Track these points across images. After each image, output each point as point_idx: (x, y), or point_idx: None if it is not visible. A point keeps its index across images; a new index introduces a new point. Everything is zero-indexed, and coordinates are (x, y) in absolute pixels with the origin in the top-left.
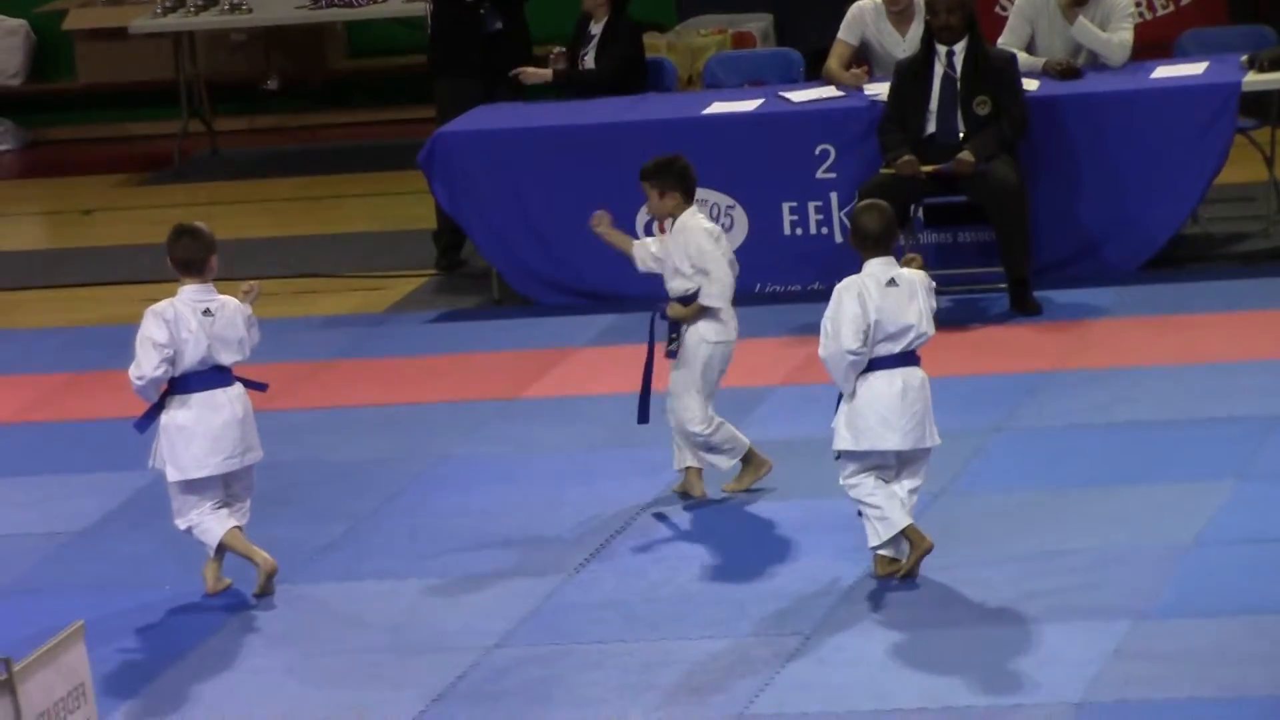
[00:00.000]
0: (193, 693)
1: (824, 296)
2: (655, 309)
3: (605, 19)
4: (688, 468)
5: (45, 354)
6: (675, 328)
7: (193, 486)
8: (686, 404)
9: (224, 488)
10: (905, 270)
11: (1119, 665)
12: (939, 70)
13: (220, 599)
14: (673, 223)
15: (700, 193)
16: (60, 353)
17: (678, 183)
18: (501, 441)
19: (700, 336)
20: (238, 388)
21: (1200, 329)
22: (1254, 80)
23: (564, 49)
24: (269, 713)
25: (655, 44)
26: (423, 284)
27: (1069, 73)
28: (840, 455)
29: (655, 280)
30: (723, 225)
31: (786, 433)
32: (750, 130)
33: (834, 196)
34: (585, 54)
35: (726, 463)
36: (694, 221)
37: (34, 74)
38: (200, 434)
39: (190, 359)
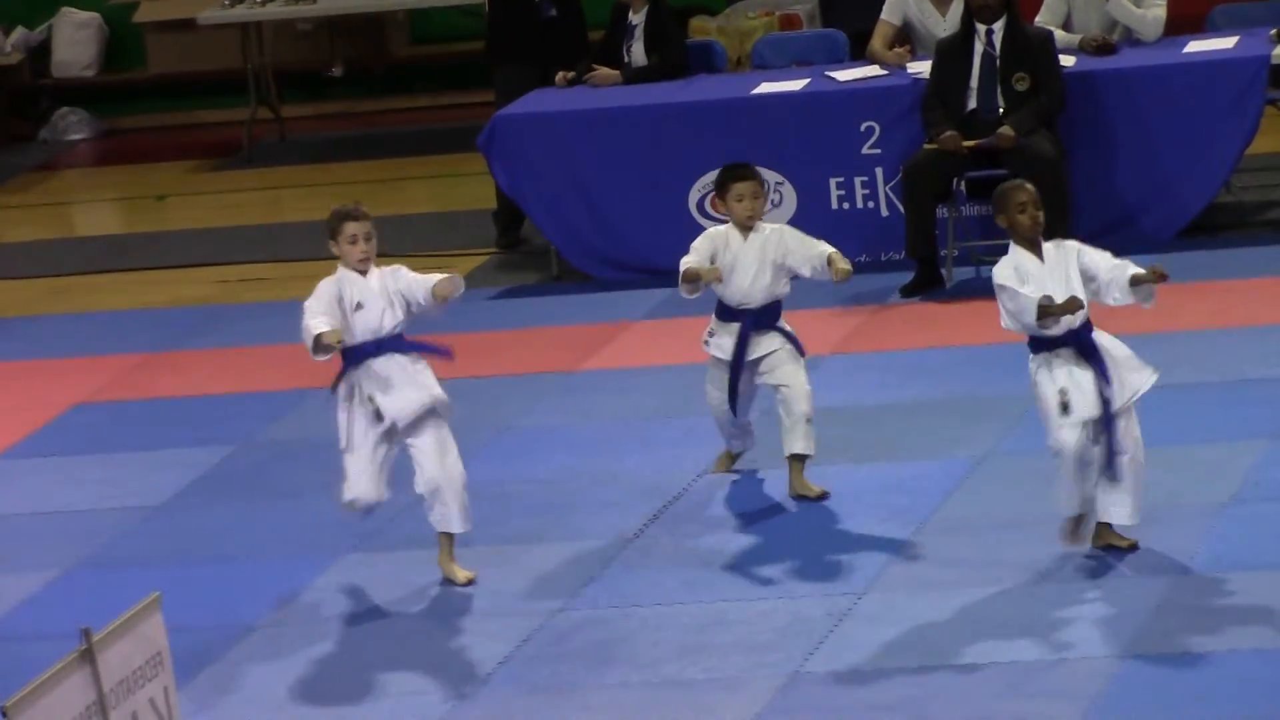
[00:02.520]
0: (266, 661)
1: (871, 268)
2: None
3: (645, 8)
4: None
5: (121, 335)
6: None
7: None
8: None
9: None
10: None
11: (1161, 620)
12: (979, 48)
13: (290, 573)
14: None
15: None
16: (136, 334)
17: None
18: (562, 412)
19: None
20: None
21: (1234, 294)
22: None
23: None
24: (341, 679)
25: (705, 27)
26: (484, 262)
27: (1104, 49)
28: None
29: None
30: (772, 201)
31: (836, 400)
32: (798, 109)
33: (879, 172)
34: (630, 45)
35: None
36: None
37: (107, 65)
38: None
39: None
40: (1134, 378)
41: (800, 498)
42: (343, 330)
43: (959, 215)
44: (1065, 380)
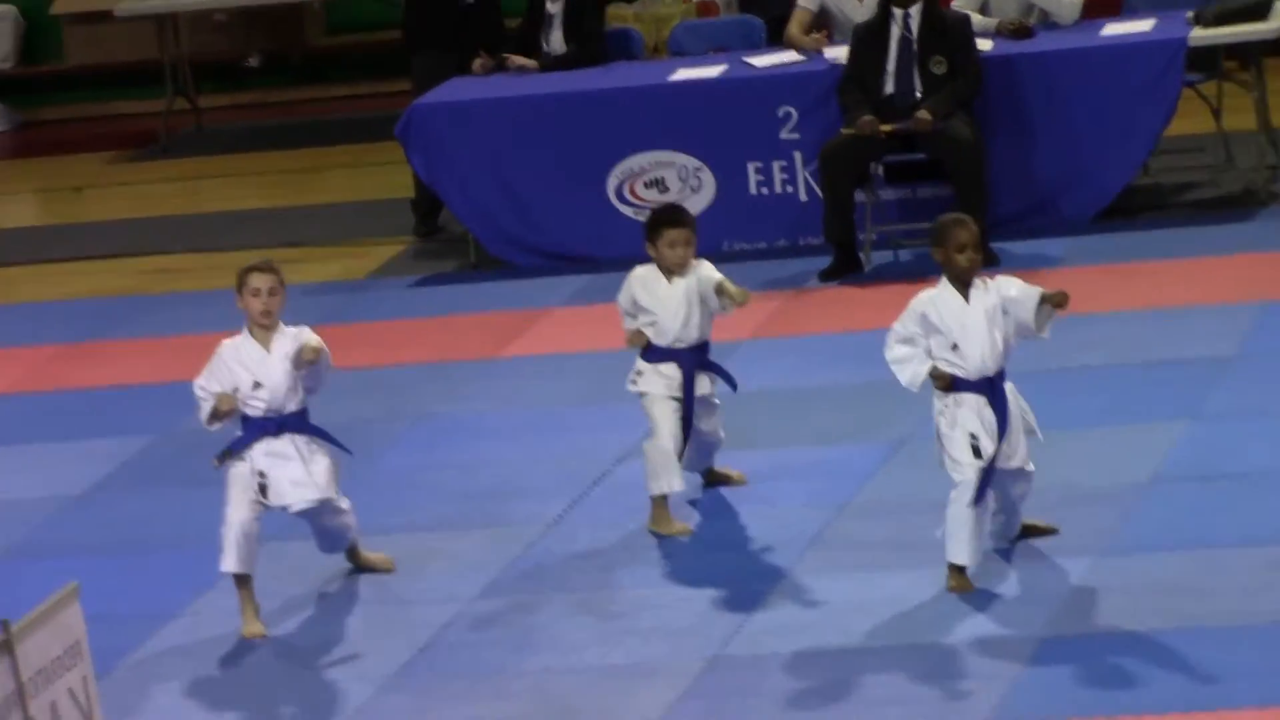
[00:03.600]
0: (185, 650)
1: (789, 253)
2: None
3: None
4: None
5: (39, 326)
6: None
7: None
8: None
9: None
10: None
11: (1080, 601)
12: (896, 32)
13: (209, 562)
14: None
15: (669, 155)
16: (53, 325)
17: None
18: (481, 399)
19: None
20: None
21: (1152, 276)
22: (1200, 35)
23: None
24: (260, 668)
25: (622, 14)
26: (402, 250)
27: (1021, 32)
28: None
29: (626, 240)
30: (690, 186)
31: (755, 385)
32: (715, 95)
33: (797, 156)
34: (549, 33)
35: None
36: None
37: (24, 57)
38: None
39: None
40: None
41: (718, 484)
42: (233, 400)
43: (877, 200)
44: (975, 425)
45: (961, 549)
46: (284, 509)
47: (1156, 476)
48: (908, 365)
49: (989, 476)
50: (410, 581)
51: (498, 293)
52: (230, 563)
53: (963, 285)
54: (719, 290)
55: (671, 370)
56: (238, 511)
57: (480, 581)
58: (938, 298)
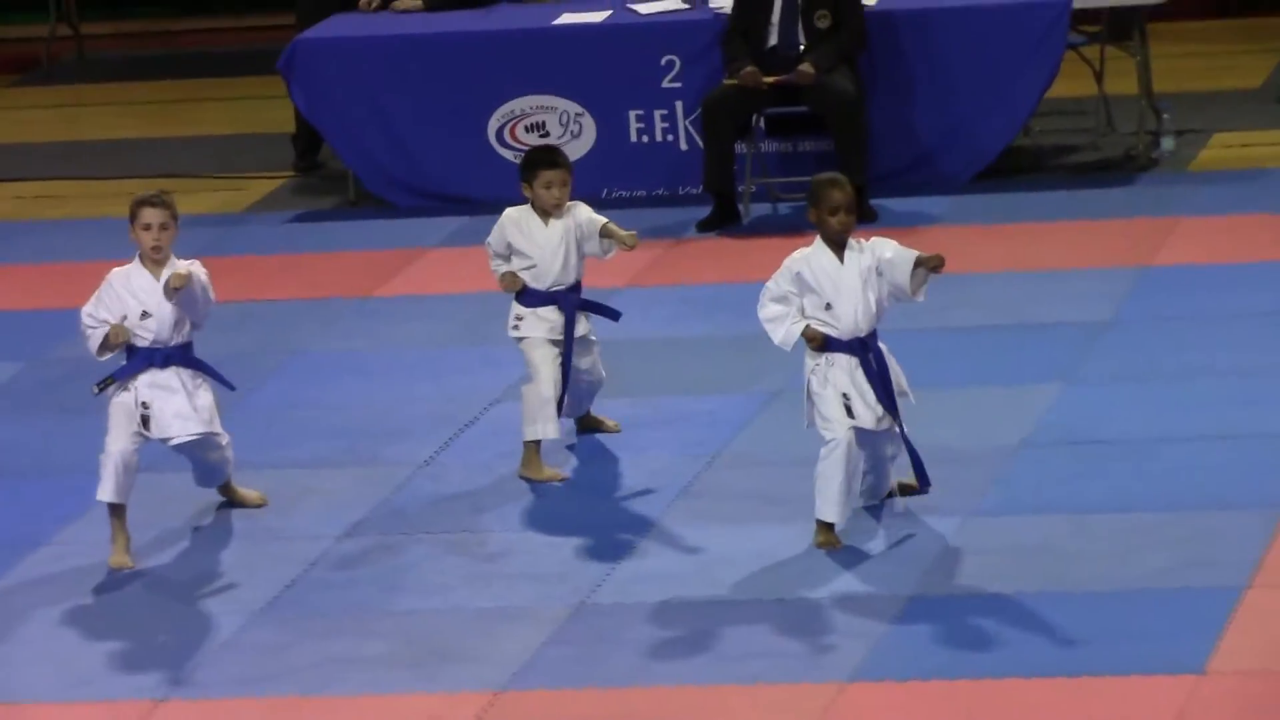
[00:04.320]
0: (51, 579)
1: (668, 202)
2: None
3: None
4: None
5: None
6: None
7: None
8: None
9: None
10: None
11: (947, 561)
12: None
13: (80, 490)
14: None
15: (550, 100)
16: None
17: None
18: (356, 337)
19: None
20: None
21: (1030, 237)
22: None
23: None
24: (126, 601)
25: None
26: (281, 185)
27: None
28: None
29: (505, 182)
30: (571, 132)
31: (630, 334)
32: (598, 41)
33: (679, 106)
34: None
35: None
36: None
37: None
38: None
39: None
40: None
41: (592, 430)
42: (127, 332)
43: (757, 151)
44: (847, 385)
45: (830, 507)
46: (165, 441)
47: (1027, 440)
48: (780, 324)
49: (874, 440)
50: (280, 518)
51: (375, 231)
52: (107, 492)
53: (837, 246)
54: (605, 233)
55: (552, 314)
56: (117, 442)
57: (349, 520)
58: (811, 257)
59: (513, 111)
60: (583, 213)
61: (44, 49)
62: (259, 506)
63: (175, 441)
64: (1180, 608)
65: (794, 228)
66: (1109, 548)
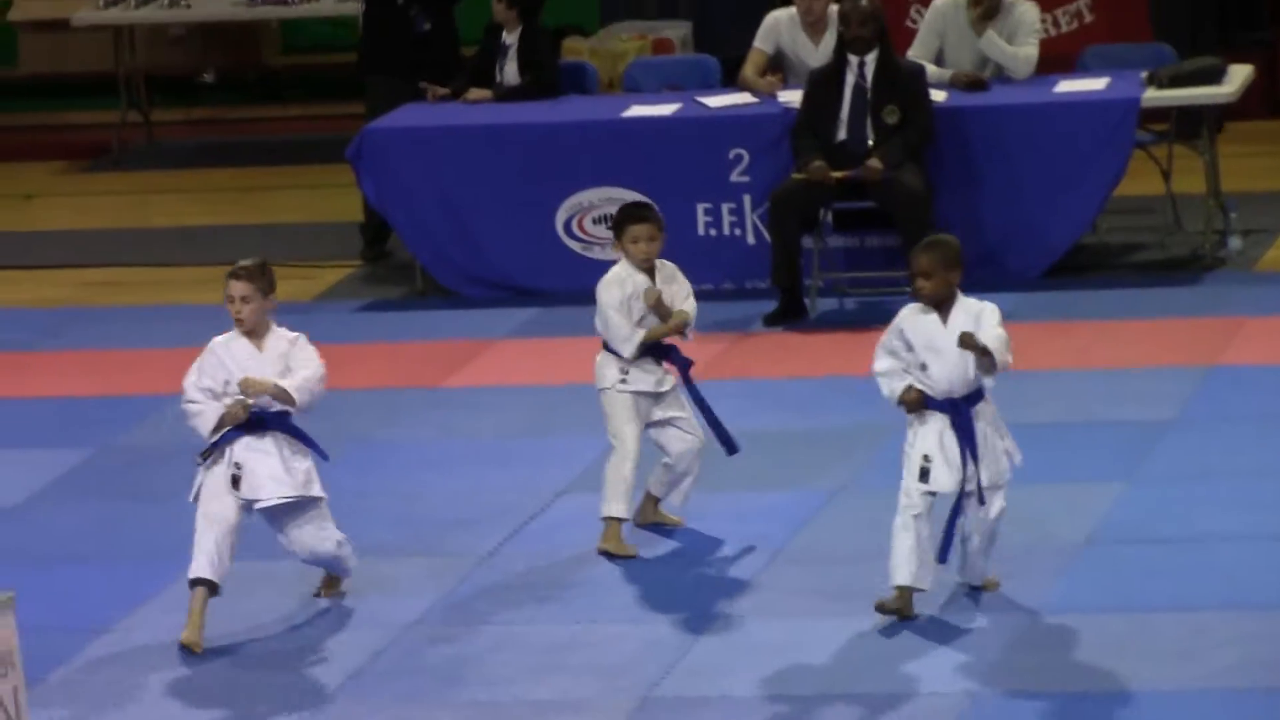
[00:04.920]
0: (117, 664)
1: (735, 295)
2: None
3: (518, 29)
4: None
5: None
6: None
7: None
8: None
9: None
10: None
11: (1012, 659)
12: (850, 79)
13: (146, 577)
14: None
15: (619, 192)
16: None
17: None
18: (423, 427)
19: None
20: None
21: (1096, 335)
22: (1153, 96)
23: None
24: (191, 687)
25: (578, 48)
26: (349, 274)
27: (975, 85)
28: None
29: (573, 274)
30: None
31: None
32: (667, 133)
33: (747, 199)
34: (504, 64)
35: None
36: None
37: None
38: None
39: None
40: (997, 466)
41: (654, 525)
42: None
43: (824, 246)
44: (933, 446)
45: (898, 570)
46: (253, 504)
47: (1092, 538)
48: (888, 380)
49: (960, 505)
50: (342, 608)
51: (443, 321)
52: (201, 567)
53: (936, 307)
54: (658, 308)
55: (651, 365)
56: (213, 509)
57: (414, 610)
58: (916, 315)
59: (581, 204)
60: (677, 281)
61: (114, 135)
62: (339, 596)
63: (264, 504)
64: (1246, 708)
65: (861, 322)
66: (1173, 646)
